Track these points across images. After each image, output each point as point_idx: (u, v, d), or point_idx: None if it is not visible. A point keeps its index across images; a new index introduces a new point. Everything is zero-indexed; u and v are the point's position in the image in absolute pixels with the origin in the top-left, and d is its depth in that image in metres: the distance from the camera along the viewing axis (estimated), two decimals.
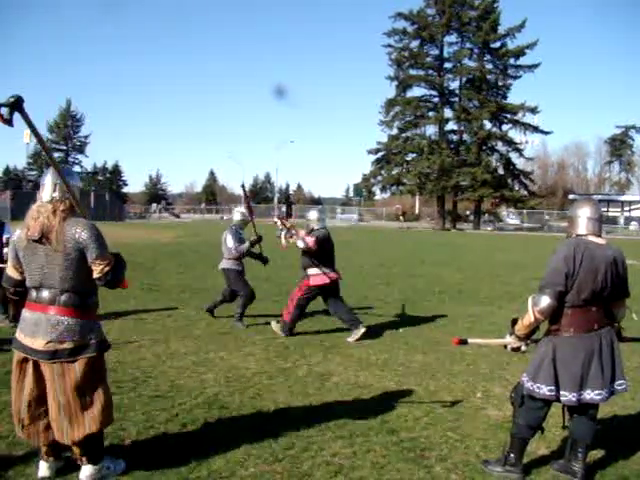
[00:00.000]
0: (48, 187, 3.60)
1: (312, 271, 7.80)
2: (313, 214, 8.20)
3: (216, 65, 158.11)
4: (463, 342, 4.34)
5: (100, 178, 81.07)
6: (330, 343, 7.55)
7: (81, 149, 78.12)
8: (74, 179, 3.77)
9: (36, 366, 3.57)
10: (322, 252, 7.79)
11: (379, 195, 63.31)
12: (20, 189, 61.60)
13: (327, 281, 7.83)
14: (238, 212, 9.35)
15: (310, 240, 7.69)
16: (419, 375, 6.25)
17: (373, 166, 56.37)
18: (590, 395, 3.72)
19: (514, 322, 4.06)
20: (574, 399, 3.72)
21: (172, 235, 30.15)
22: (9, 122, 3.02)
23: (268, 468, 3.95)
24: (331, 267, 7.93)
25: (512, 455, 3.95)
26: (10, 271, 3.78)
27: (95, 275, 3.54)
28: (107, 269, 3.54)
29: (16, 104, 3.00)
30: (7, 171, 79.47)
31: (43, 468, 3.72)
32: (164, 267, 15.61)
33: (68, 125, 76.15)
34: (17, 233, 3.69)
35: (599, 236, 3.86)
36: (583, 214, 3.87)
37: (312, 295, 7.98)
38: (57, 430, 3.55)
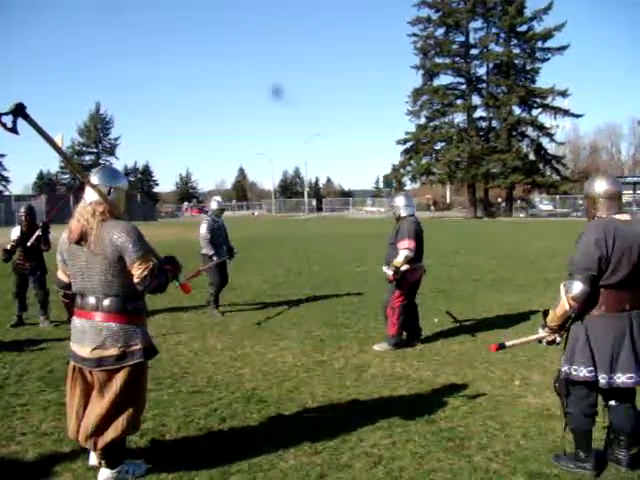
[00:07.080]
0: (90, 189, 3.56)
1: (407, 266, 6.85)
2: (400, 200, 7.33)
3: (243, 63, 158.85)
4: (501, 347, 4.24)
5: (131, 179, 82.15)
6: (365, 335, 7.54)
7: (111, 151, 79.44)
8: (120, 181, 3.71)
9: (85, 374, 3.57)
10: (418, 245, 7.07)
11: (409, 185, 62.87)
12: (54, 192, 63.49)
13: (419, 276, 7.19)
14: (215, 201, 9.56)
15: (407, 244, 6.82)
16: (456, 364, 6.21)
17: (402, 156, 56.11)
18: (621, 379, 3.57)
19: (546, 314, 3.93)
20: (604, 381, 3.58)
21: None
22: (14, 130, 3.00)
23: (308, 460, 3.97)
24: (420, 260, 7.16)
25: (581, 453, 3.78)
26: (59, 274, 3.83)
27: (134, 280, 3.43)
28: (146, 273, 3.40)
29: (17, 111, 2.99)
30: (41, 176, 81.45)
31: (93, 457, 3.78)
32: (197, 264, 15.68)
33: (98, 128, 77.33)
34: (62, 236, 3.68)
35: (622, 212, 3.71)
36: (603, 192, 3.70)
37: (411, 293, 7.18)
38: (82, 433, 3.53)
